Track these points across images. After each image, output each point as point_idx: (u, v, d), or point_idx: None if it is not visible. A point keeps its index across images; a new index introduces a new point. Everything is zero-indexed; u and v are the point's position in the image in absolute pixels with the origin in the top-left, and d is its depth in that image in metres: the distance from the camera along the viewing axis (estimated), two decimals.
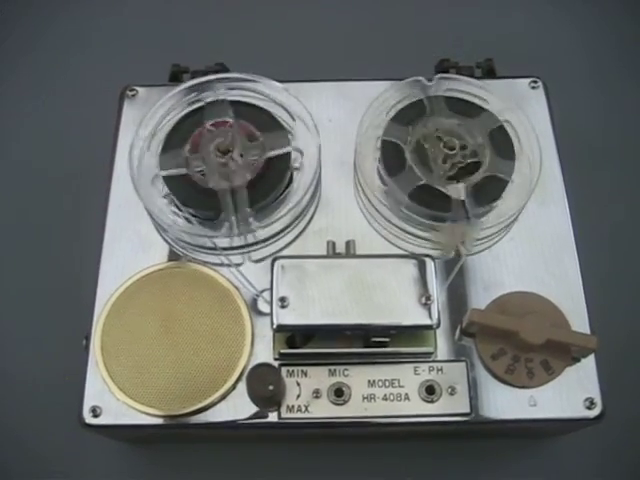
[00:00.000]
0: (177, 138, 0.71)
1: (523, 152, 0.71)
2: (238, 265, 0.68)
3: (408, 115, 0.72)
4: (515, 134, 0.72)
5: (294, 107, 0.72)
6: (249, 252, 0.69)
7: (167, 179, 0.69)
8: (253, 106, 0.73)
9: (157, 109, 0.72)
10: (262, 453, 0.76)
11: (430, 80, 0.74)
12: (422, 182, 0.68)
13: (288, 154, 0.70)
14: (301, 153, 0.71)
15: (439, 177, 0.68)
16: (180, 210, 0.68)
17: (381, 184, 0.70)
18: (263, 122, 0.72)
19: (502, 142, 0.71)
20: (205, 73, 0.75)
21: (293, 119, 0.72)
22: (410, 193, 0.68)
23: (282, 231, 0.69)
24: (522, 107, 0.73)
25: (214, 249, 0.68)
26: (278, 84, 0.73)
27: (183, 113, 0.73)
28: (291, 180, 0.71)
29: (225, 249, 0.68)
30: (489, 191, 0.69)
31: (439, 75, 0.74)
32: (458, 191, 0.68)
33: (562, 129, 0.77)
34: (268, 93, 0.73)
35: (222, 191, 0.67)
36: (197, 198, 0.68)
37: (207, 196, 0.68)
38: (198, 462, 0.77)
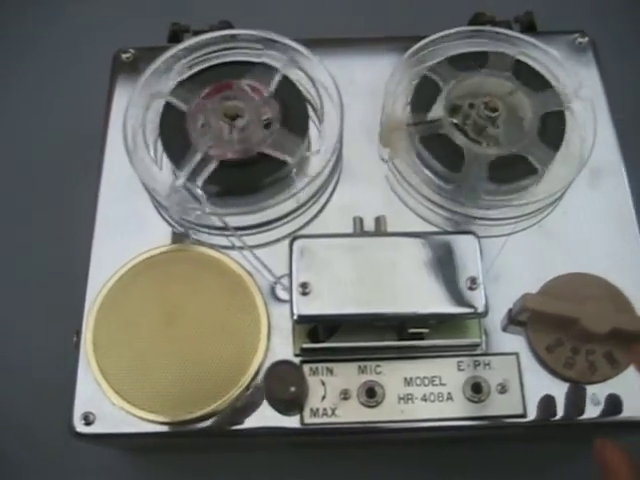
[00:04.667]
0: (177, 108, 0.62)
1: (561, 86, 0.63)
2: (252, 247, 0.59)
3: (424, 96, 0.63)
4: (574, 122, 0.63)
5: (312, 69, 0.64)
6: (266, 231, 0.60)
7: (173, 155, 0.60)
8: (252, 64, 0.64)
9: (153, 73, 0.63)
10: (278, 460, 0.67)
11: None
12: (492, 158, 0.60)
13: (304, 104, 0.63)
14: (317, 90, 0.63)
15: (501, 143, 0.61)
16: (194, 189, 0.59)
17: (439, 181, 0.61)
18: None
19: (553, 129, 0.61)
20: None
21: (315, 86, 0.64)
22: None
23: (301, 207, 0.60)
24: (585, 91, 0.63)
25: (225, 229, 0.59)
26: (291, 42, 0.64)
27: (184, 77, 0.64)
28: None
29: (238, 229, 0.59)
30: (512, 170, 0.60)
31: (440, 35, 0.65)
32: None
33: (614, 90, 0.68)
34: (279, 56, 0.64)
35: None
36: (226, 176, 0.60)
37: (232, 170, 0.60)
38: (205, 473, 0.68)
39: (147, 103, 0.62)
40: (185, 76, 0.64)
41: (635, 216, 0.62)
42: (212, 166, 0.59)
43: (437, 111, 0.62)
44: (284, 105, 0.61)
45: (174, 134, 0.61)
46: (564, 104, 0.62)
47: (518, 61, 0.64)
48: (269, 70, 0.63)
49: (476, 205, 0.60)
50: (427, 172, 0.61)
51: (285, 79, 0.63)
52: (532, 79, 0.63)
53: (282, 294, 0.58)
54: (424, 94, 0.63)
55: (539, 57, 0.64)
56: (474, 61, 0.64)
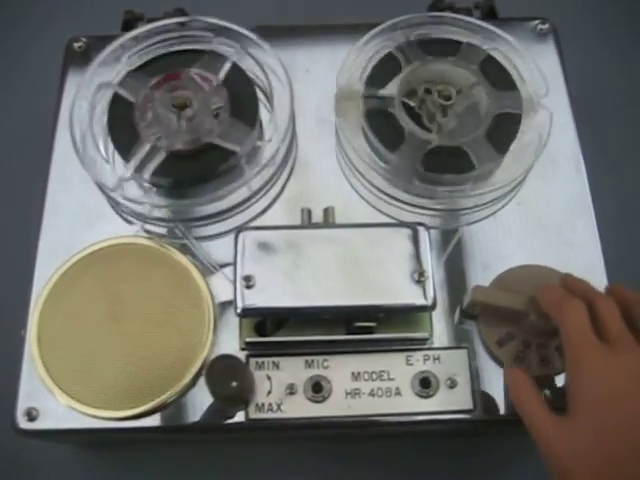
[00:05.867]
0: (125, 98, 0.61)
1: (526, 89, 0.61)
2: (200, 239, 0.58)
3: (383, 72, 0.62)
4: (509, 63, 0.62)
5: (262, 55, 0.63)
6: (215, 223, 0.59)
7: (121, 147, 0.59)
8: (202, 52, 0.63)
9: (101, 63, 0.62)
10: (236, 452, 0.66)
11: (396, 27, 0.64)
12: (431, 146, 0.58)
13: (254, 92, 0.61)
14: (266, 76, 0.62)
15: (445, 133, 0.59)
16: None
17: (378, 159, 0.60)
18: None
19: (504, 131, 0.60)
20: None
21: (264, 72, 0.62)
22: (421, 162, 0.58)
23: (250, 198, 0.59)
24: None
25: (171, 221, 0.58)
26: (241, 29, 0.63)
27: (133, 67, 0.63)
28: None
29: (187, 220, 0.58)
30: (448, 163, 0.59)
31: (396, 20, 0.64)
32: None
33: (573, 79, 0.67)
34: (230, 43, 0.63)
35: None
36: (171, 166, 0.58)
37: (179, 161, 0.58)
38: (164, 465, 0.66)
39: (95, 95, 0.61)
40: (134, 66, 0.63)
41: (592, 205, 0.61)
42: (160, 157, 0.58)
43: (391, 89, 0.61)
44: (234, 94, 0.60)
45: (122, 126, 0.60)
46: (523, 108, 0.60)
47: (489, 56, 0.63)
48: (219, 58, 0.62)
49: (407, 190, 0.59)
50: (367, 148, 0.60)
51: (235, 67, 0.62)
52: (498, 77, 0.62)
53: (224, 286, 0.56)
54: (383, 70, 0.62)
55: (511, 55, 0.63)
56: (444, 48, 0.63)
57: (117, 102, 0.61)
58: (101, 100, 0.61)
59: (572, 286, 0.51)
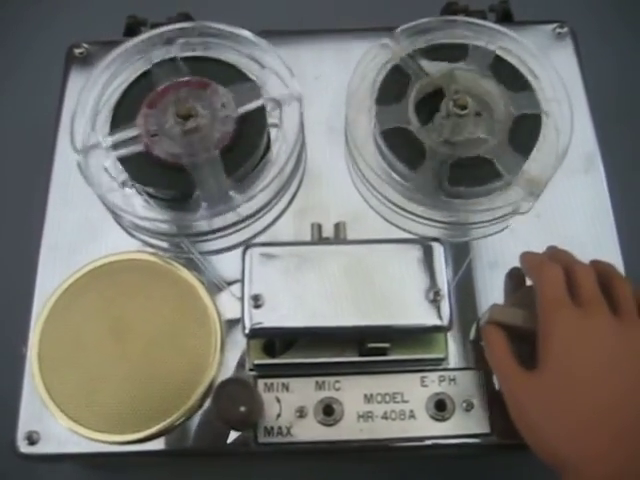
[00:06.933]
0: (127, 108, 0.58)
1: (542, 88, 0.59)
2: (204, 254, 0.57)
3: (395, 82, 0.60)
4: (521, 62, 0.60)
5: (267, 59, 0.60)
6: (216, 238, 0.57)
7: (123, 159, 0.57)
8: (213, 60, 0.61)
9: (101, 73, 0.60)
10: (245, 473, 0.64)
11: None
12: (454, 159, 0.56)
13: (262, 109, 0.58)
14: (278, 104, 0.59)
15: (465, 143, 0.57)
16: (141, 194, 0.57)
17: (396, 176, 0.58)
18: (226, 77, 0.59)
19: (525, 134, 0.57)
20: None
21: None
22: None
23: (257, 212, 0.57)
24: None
25: (175, 236, 0.56)
26: (248, 33, 0.60)
27: (134, 76, 0.60)
28: (269, 146, 0.59)
29: (188, 235, 0.56)
30: (525, 133, 0.57)
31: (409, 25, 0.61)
32: None
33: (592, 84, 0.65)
34: (238, 47, 0.61)
35: (192, 164, 0.55)
36: (161, 176, 0.56)
37: (173, 173, 0.56)
38: None
39: (97, 100, 0.59)
40: (146, 67, 0.60)
41: (613, 217, 0.59)
42: (137, 148, 0.56)
43: (403, 101, 0.58)
44: (242, 128, 0.57)
45: (130, 104, 0.58)
46: (541, 107, 0.58)
47: (498, 57, 0.60)
48: (255, 90, 0.59)
49: (434, 206, 0.56)
50: (382, 163, 0.58)
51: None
52: (511, 77, 0.60)
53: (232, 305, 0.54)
54: (392, 85, 0.60)
55: (519, 53, 0.61)
56: (453, 53, 0.61)
57: (123, 102, 0.59)
58: (105, 104, 0.59)
59: (555, 255, 0.52)
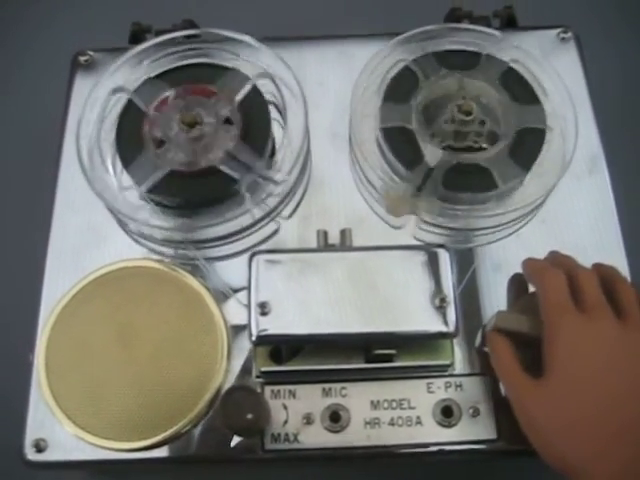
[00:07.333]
0: (135, 116, 0.59)
1: (550, 103, 0.59)
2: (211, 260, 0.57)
3: (400, 87, 0.60)
4: (532, 76, 0.60)
5: (271, 65, 0.60)
6: (222, 245, 0.57)
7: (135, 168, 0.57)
8: (217, 67, 0.61)
9: (106, 80, 0.60)
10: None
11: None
12: (451, 164, 0.56)
13: (267, 115, 0.59)
14: (283, 109, 0.59)
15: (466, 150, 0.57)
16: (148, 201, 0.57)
17: (396, 177, 0.58)
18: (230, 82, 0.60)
19: (528, 147, 0.58)
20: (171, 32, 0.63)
21: (275, 84, 0.60)
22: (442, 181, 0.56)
23: (262, 219, 0.57)
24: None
25: (181, 242, 0.56)
26: (251, 39, 0.61)
27: (151, 75, 0.61)
28: (274, 152, 0.59)
29: (194, 242, 0.57)
30: (527, 147, 0.57)
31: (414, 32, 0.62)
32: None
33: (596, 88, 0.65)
34: (241, 53, 0.61)
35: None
36: (168, 184, 0.56)
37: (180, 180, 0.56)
38: None
39: (105, 103, 0.59)
40: (152, 74, 0.61)
41: (617, 221, 0.59)
42: (162, 172, 0.56)
43: (408, 105, 0.58)
44: (248, 116, 0.58)
45: (130, 135, 0.58)
46: (547, 123, 0.58)
47: (510, 69, 0.61)
48: (240, 77, 0.59)
49: (428, 210, 0.56)
50: (384, 166, 0.58)
51: (255, 89, 0.59)
52: (520, 90, 0.60)
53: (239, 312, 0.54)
54: (401, 85, 0.60)
55: (533, 68, 0.61)
56: (465, 60, 0.61)
57: (129, 110, 0.59)
58: (112, 110, 0.59)
59: (557, 260, 0.52)
